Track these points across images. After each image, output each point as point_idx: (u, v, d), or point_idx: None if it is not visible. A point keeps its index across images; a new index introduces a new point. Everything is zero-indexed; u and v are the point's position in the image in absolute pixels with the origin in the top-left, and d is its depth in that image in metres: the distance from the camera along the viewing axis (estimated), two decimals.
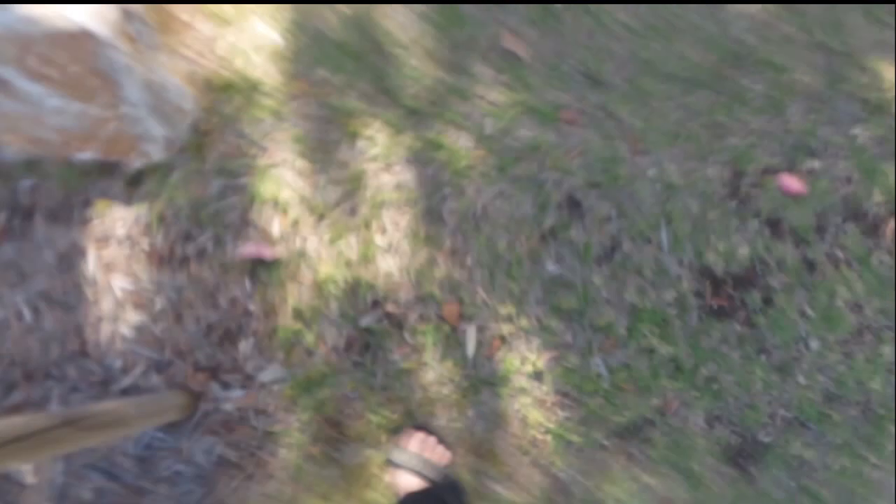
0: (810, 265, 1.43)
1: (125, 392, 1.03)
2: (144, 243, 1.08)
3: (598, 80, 1.50)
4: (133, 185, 1.09)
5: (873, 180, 1.62)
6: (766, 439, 1.26)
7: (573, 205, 1.37)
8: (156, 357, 1.05)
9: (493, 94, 1.38)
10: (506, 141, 1.37)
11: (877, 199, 1.57)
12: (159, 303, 1.07)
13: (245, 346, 1.07)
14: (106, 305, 1.08)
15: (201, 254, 1.08)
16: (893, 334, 1.42)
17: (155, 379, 1.03)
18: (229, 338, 1.07)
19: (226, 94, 1.20)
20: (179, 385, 1.03)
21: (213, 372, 1.04)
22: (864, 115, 1.69)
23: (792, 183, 1.55)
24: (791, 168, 1.57)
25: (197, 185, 1.13)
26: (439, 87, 1.33)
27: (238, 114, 1.19)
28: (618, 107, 1.49)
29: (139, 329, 1.05)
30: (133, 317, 1.07)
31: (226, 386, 1.06)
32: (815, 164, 1.61)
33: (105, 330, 1.06)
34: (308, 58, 1.28)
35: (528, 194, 1.34)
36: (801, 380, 1.30)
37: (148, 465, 1.01)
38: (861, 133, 1.66)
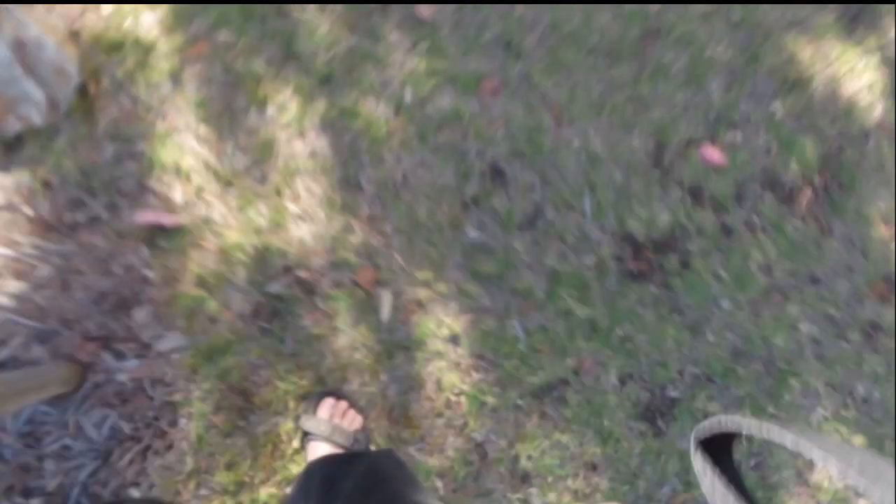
0: (728, 231, 1.51)
1: (2, 365, 0.98)
2: (27, 210, 1.04)
3: (520, 52, 1.55)
4: (12, 150, 1.05)
5: (791, 152, 1.73)
6: (675, 394, 1.32)
7: (496, 174, 1.41)
8: (38, 327, 1.01)
9: (411, 63, 1.40)
10: (426, 110, 1.39)
11: (793, 170, 1.68)
12: (44, 270, 1.03)
13: (141, 314, 1.04)
14: None
15: (94, 221, 1.05)
16: (799, 293, 1.51)
17: (37, 350, 0.99)
18: (123, 306, 1.05)
19: (116, 56, 1.18)
20: (66, 356, 0.99)
21: (105, 341, 1.02)
22: (782, 91, 1.81)
23: (713, 154, 1.64)
24: (713, 140, 1.66)
25: (87, 150, 1.10)
26: (354, 54, 1.35)
27: (131, 77, 1.17)
28: (541, 78, 1.54)
29: (19, 298, 1.01)
30: (12, 285, 1.03)
31: (119, 356, 1.03)
32: (737, 136, 1.71)
33: None
34: (207, 19, 1.27)
35: (450, 163, 1.37)
36: (711, 338, 1.37)
37: (31, 439, 0.97)
38: (780, 108, 1.77)
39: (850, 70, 1.86)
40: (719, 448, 0.38)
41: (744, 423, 0.34)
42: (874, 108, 1.83)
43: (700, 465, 0.37)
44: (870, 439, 1.51)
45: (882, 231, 1.73)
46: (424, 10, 1.46)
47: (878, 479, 0.25)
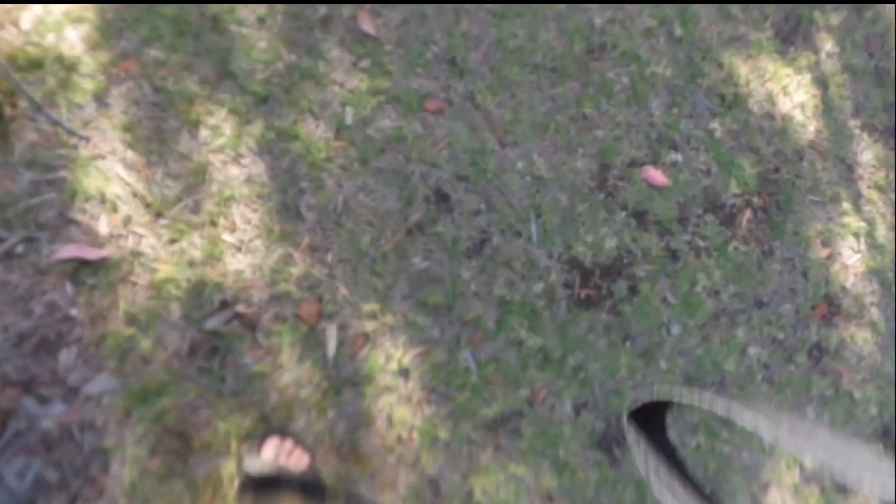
0: (673, 254, 1.77)
1: None
2: None
3: (464, 69, 1.74)
4: None
5: (730, 173, 2.03)
6: None
7: (441, 198, 1.59)
8: None
9: (352, 81, 1.56)
10: (368, 131, 1.55)
11: (733, 191, 1.98)
12: None
13: (66, 355, 1.12)
14: None
15: (9, 256, 1.12)
16: (746, 317, 1.81)
17: None
18: (46, 348, 1.11)
19: (34, 75, 1.26)
20: None
21: (27, 386, 1.08)
22: (720, 110, 2.11)
23: (656, 175, 1.90)
24: (655, 160, 1.93)
25: (1, 178, 1.17)
26: (292, 72, 1.49)
27: (51, 98, 1.24)
28: (485, 97, 1.74)
29: None
30: None
31: (43, 401, 1.09)
32: (678, 156, 1.99)
33: None
34: (136, 35, 1.37)
35: (393, 188, 1.53)
36: (663, 364, 1.57)
37: None
38: (718, 127, 2.08)
39: (783, 89, 2.20)
40: (653, 420, 0.44)
41: (675, 392, 0.39)
42: (807, 128, 2.17)
43: (633, 437, 0.43)
44: None
45: (820, 252, 2.07)
46: (368, 24, 1.63)
47: (809, 437, 0.30)
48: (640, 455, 0.43)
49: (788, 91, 2.16)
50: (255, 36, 1.45)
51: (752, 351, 1.78)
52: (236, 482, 1.14)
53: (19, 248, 1.14)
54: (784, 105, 2.15)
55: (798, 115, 2.15)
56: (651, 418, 0.44)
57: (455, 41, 1.70)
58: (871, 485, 0.28)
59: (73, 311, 1.14)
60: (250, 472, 1.13)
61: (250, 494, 0.83)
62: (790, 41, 2.26)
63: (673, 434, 1.55)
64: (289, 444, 1.18)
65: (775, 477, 1.69)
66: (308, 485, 0.74)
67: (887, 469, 0.28)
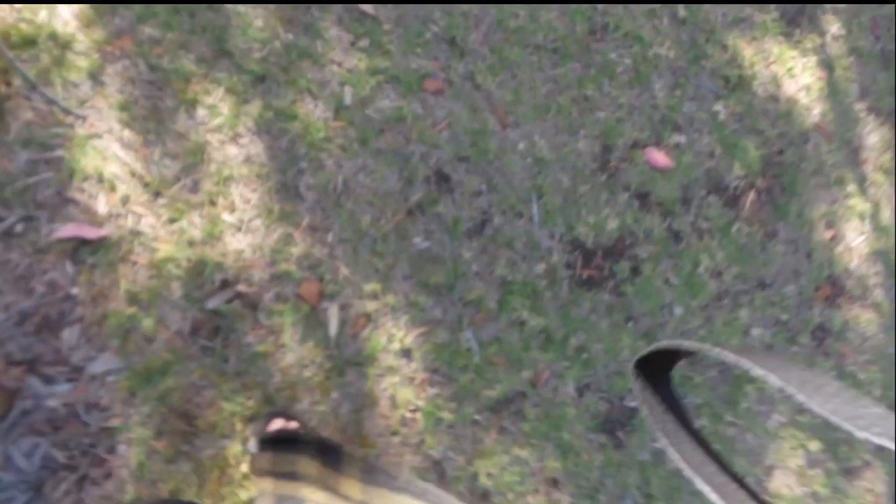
0: (676, 235, 1.79)
1: None
2: None
3: (464, 49, 1.76)
4: None
5: (734, 155, 2.05)
6: (633, 404, 1.52)
7: (441, 179, 1.61)
8: None
9: (350, 61, 1.58)
10: (367, 111, 1.57)
11: (737, 173, 2.00)
12: None
13: (69, 334, 1.14)
14: None
15: (8, 235, 1.13)
16: (749, 298, 1.84)
17: None
18: (49, 327, 1.13)
19: (28, 53, 1.27)
20: None
21: (31, 365, 1.10)
22: (724, 92, 2.13)
23: (659, 157, 1.93)
24: (658, 142, 1.95)
25: None
26: (290, 51, 1.50)
27: (46, 76, 1.25)
28: (485, 77, 1.76)
29: None
30: None
31: (48, 380, 1.11)
32: (681, 138, 2.01)
33: None
34: (130, 12, 1.38)
35: (393, 168, 1.55)
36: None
37: None
38: (722, 109, 2.10)
39: (788, 71, 2.23)
40: (660, 371, 0.44)
41: (684, 343, 0.39)
42: (812, 110, 2.20)
43: (639, 389, 0.43)
44: (826, 444, 1.77)
45: (824, 234, 2.10)
46: (366, 3, 1.65)
47: (818, 389, 0.31)
48: (646, 406, 0.44)
49: (793, 73, 2.18)
50: (252, 14, 1.47)
51: (755, 332, 1.81)
52: (242, 463, 1.17)
53: (18, 227, 1.16)
54: (789, 87, 2.17)
55: (803, 98, 2.17)
56: (657, 369, 0.45)
57: (455, 21, 1.71)
58: (879, 434, 0.29)
59: (74, 290, 1.16)
60: (254, 453, 1.15)
61: (269, 452, 0.86)
62: (795, 23, 2.28)
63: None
64: (293, 425, 1.21)
65: (780, 459, 1.71)
66: (326, 448, 0.77)
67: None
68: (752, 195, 1.98)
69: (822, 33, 2.31)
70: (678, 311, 1.66)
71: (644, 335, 1.59)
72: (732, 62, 2.14)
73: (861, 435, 0.30)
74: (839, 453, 1.79)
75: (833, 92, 2.26)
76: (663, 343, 0.41)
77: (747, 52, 2.17)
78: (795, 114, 2.15)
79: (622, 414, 1.52)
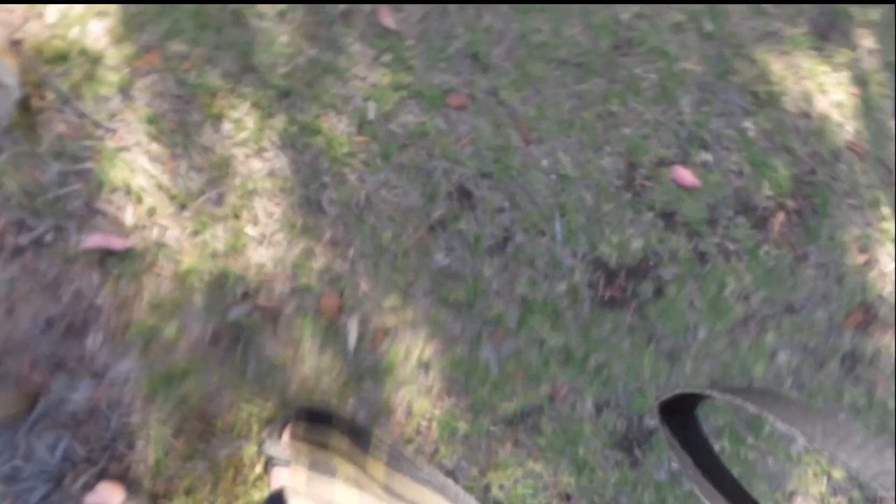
0: (701, 257, 1.85)
1: None
2: None
3: (487, 64, 1.85)
4: None
5: (763, 174, 2.11)
6: (652, 423, 1.58)
7: (464, 195, 1.69)
8: None
9: (374, 76, 1.67)
10: (390, 127, 1.65)
11: (766, 193, 2.06)
12: None
13: (92, 340, 1.22)
14: None
15: (38, 244, 1.23)
16: (776, 323, 1.89)
17: None
18: (73, 333, 1.21)
19: (61, 67, 1.37)
20: (13, 382, 1.17)
21: (56, 367, 1.19)
22: (753, 108, 2.20)
23: (686, 176, 1.99)
24: (685, 160, 2.02)
25: (30, 168, 1.27)
26: (314, 66, 1.59)
27: (78, 90, 1.35)
28: (509, 93, 1.84)
29: None
30: None
31: (72, 380, 1.19)
32: (708, 156, 2.08)
33: None
34: (159, 28, 1.49)
35: (415, 184, 1.63)
36: (688, 367, 1.65)
37: None
38: (751, 126, 2.16)
39: (819, 87, 2.28)
40: (683, 412, 0.47)
41: (706, 390, 0.41)
42: (845, 127, 2.25)
43: (666, 431, 0.46)
44: (850, 473, 1.88)
45: (856, 258, 2.14)
46: (389, 19, 1.74)
47: (843, 441, 0.32)
48: (672, 448, 0.46)
49: (825, 89, 2.23)
50: (276, 30, 1.56)
51: (782, 357, 1.84)
52: (257, 465, 1.25)
53: (48, 237, 1.25)
54: (820, 104, 2.22)
55: (835, 115, 2.21)
56: (682, 409, 0.47)
57: (477, 36, 1.80)
58: None
59: (99, 300, 1.25)
60: (270, 456, 1.23)
61: (304, 424, 0.93)
62: (826, 37, 2.34)
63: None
64: None
65: (802, 485, 1.75)
66: (356, 428, 0.84)
67: None
68: (781, 216, 2.03)
69: (854, 47, 2.37)
70: (702, 333, 1.72)
71: (666, 356, 1.64)
72: (761, 78, 2.20)
73: (889, 494, 0.30)
74: (864, 482, 1.83)
75: (867, 108, 2.31)
76: (687, 389, 0.44)
77: (776, 67, 2.23)
78: (827, 131, 2.20)
79: (640, 433, 1.57)
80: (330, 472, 0.86)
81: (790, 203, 2.05)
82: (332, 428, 0.88)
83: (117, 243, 1.28)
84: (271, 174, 1.46)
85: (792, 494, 1.71)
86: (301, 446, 0.89)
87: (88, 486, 1.14)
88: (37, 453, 1.15)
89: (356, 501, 0.79)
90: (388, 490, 0.84)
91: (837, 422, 0.34)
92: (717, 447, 1.65)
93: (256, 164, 1.45)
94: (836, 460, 0.32)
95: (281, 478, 1.22)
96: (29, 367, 1.17)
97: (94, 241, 1.27)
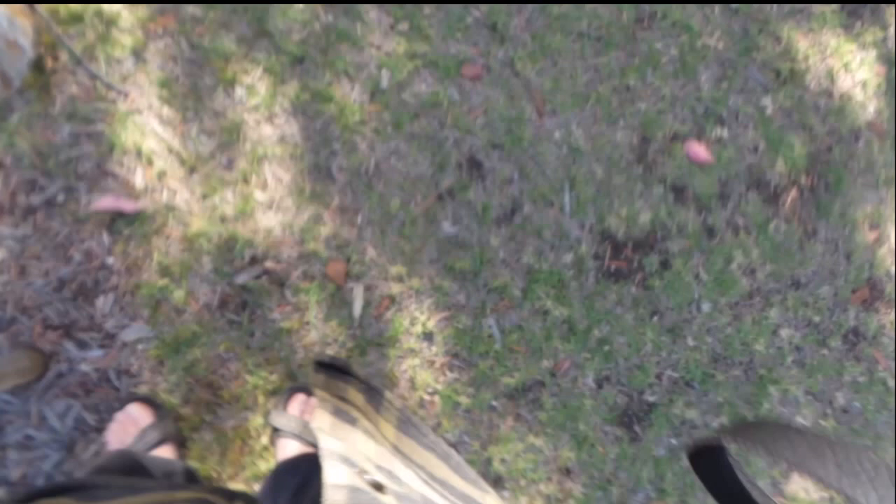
0: (710, 231, 1.64)
1: None
2: None
3: (504, 35, 1.64)
4: None
5: (778, 151, 1.86)
6: (652, 399, 1.44)
7: (474, 165, 1.51)
8: None
9: (389, 44, 1.48)
10: (403, 96, 1.48)
11: (780, 170, 1.82)
12: None
13: (103, 302, 1.12)
14: None
15: (50, 204, 1.12)
16: (781, 297, 1.67)
17: None
18: (85, 293, 1.12)
19: (74, 29, 1.23)
20: (26, 344, 1.07)
21: (67, 330, 1.09)
22: (774, 86, 1.94)
23: (699, 151, 1.76)
24: (699, 135, 1.78)
25: (43, 129, 1.15)
26: (329, 33, 1.42)
27: (91, 52, 1.22)
28: (525, 64, 1.63)
29: None
30: None
31: (82, 345, 1.11)
32: (724, 132, 1.84)
33: None
34: None
35: (425, 153, 1.46)
36: (690, 341, 1.49)
37: None
38: (770, 104, 1.90)
39: (845, 65, 2.00)
40: (710, 455, 0.41)
41: (721, 439, 0.38)
42: (867, 107, 1.98)
43: (697, 478, 0.41)
44: None
45: (867, 235, 1.89)
46: None
47: (856, 479, 0.28)
48: (709, 492, 0.41)
49: (850, 68, 1.96)
50: None
51: (785, 332, 1.67)
52: (263, 436, 1.13)
53: (60, 197, 1.13)
54: (844, 82, 1.95)
55: (858, 94, 1.95)
56: (707, 453, 0.41)
57: (497, 6, 1.59)
58: None
59: (110, 260, 1.13)
60: (276, 427, 1.11)
61: (323, 374, 0.83)
62: (857, 15, 2.05)
63: (694, 412, 1.45)
64: (313, 401, 1.15)
65: None
66: (370, 388, 0.73)
67: None
68: (793, 192, 1.80)
69: (885, 26, 2.07)
70: (706, 307, 1.53)
71: (669, 330, 1.47)
72: (785, 55, 1.93)
73: None
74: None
75: (891, 89, 2.03)
76: (702, 440, 0.39)
77: (802, 44, 1.95)
78: (848, 110, 1.94)
79: (640, 408, 1.41)
80: (351, 420, 0.76)
81: (804, 180, 1.82)
82: (348, 383, 0.77)
83: (127, 205, 1.16)
84: (282, 140, 1.31)
85: (789, 470, 1.53)
86: (323, 394, 0.78)
87: (99, 454, 1.04)
88: (48, 421, 1.06)
89: (374, 452, 0.70)
90: (398, 451, 0.73)
91: (849, 455, 0.29)
92: (715, 423, 1.47)
93: (267, 130, 1.30)
94: (854, 502, 0.27)
95: (287, 448, 1.10)
96: (42, 330, 1.07)
97: (104, 202, 1.15)
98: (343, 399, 0.79)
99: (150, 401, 1.11)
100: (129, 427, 1.06)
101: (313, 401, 1.19)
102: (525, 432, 1.32)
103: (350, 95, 1.40)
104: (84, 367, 1.09)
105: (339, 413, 0.76)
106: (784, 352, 1.66)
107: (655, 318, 1.49)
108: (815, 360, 1.68)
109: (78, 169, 1.15)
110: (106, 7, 1.21)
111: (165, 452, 1.08)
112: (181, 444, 1.12)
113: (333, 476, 0.52)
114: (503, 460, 1.33)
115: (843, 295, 1.76)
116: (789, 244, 1.74)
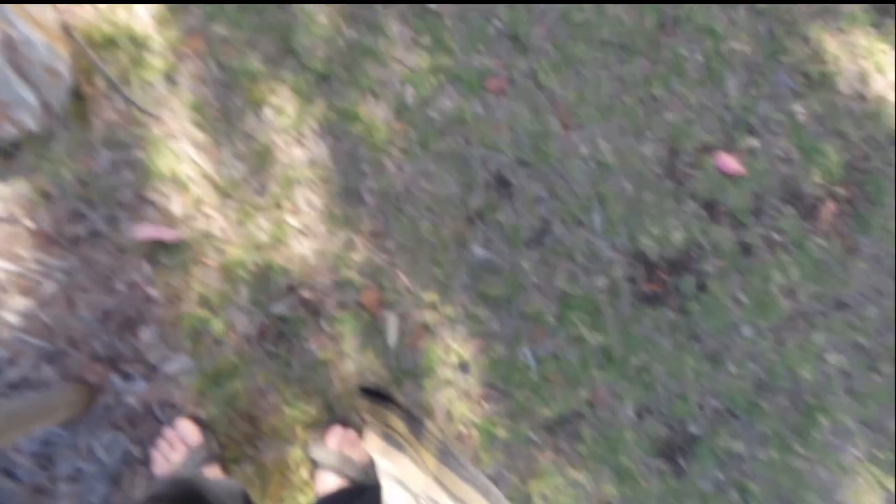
0: (746, 249, 2.06)
1: (14, 386, 1.36)
2: (28, 222, 1.43)
3: (526, 45, 2.04)
4: (8, 158, 1.43)
5: (812, 160, 2.30)
6: (696, 430, 1.78)
7: (501, 184, 1.90)
8: (46, 347, 1.40)
9: (412, 59, 1.87)
10: (428, 112, 1.86)
11: (815, 180, 2.25)
12: (48, 287, 1.42)
13: (147, 334, 1.46)
14: None
15: (94, 234, 1.45)
16: (825, 320, 2.10)
17: (47, 371, 1.38)
18: (129, 325, 1.45)
19: (109, 53, 1.59)
20: (74, 377, 1.39)
21: (112, 362, 1.42)
22: (804, 90, 2.37)
23: (730, 163, 2.18)
24: (729, 146, 2.21)
25: (83, 157, 1.49)
26: (353, 48, 1.80)
27: (125, 76, 1.57)
28: (548, 76, 2.04)
29: (26, 316, 1.40)
30: (19, 302, 1.41)
31: (127, 377, 1.44)
32: (754, 142, 2.27)
33: None
34: (201, 10, 1.69)
35: (453, 172, 1.85)
36: (732, 368, 1.85)
37: (45, 461, 1.37)
38: (801, 110, 2.34)
39: (877, 66, 2.43)
40: None
41: None
42: None
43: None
44: None
45: None
46: None
47: None
48: None
49: (883, 69, 2.36)
50: (316, 10, 1.77)
51: (831, 357, 2.02)
52: (302, 468, 1.48)
53: (102, 226, 1.48)
54: (877, 84, 2.34)
55: (892, 96, 2.34)
56: None
57: (518, 15, 2.00)
58: None
59: (152, 291, 1.48)
60: (314, 460, 1.46)
61: (368, 399, 1.09)
62: (887, 13, 2.49)
63: (741, 445, 1.85)
64: (351, 434, 1.51)
65: (854, 498, 1.93)
66: (412, 417, 1.00)
67: None
68: (831, 205, 2.20)
69: None
70: (747, 331, 1.93)
71: (709, 357, 1.86)
72: (814, 57, 2.35)
73: None
74: None
75: None
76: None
77: (831, 45, 2.37)
78: (884, 114, 2.31)
79: (683, 440, 1.79)
80: (398, 446, 1.04)
81: (841, 191, 2.19)
82: (391, 410, 1.06)
83: (167, 234, 1.51)
84: (311, 163, 1.68)
85: None
86: (371, 417, 1.08)
87: (151, 480, 1.38)
88: (96, 454, 1.39)
89: (423, 481, 0.95)
90: (439, 483, 0.98)
91: None
92: (764, 457, 1.87)
93: (297, 153, 1.67)
94: None
95: (325, 482, 1.44)
96: (89, 362, 1.40)
97: (145, 231, 1.49)
98: (387, 425, 1.10)
99: (197, 419, 1.44)
100: (178, 445, 1.39)
101: (351, 433, 1.55)
102: (565, 466, 1.69)
103: (376, 113, 1.78)
104: (129, 400, 1.43)
105: (387, 438, 1.07)
106: (832, 378, 1.99)
107: (695, 344, 1.87)
108: (865, 386, 2.01)
109: (118, 197, 1.50)
110: (138, 30, 1.57)
111: (213, 472, 1.41)
112: (224, 463, 1.46)
113: (394, 498, 0.76)
114: (544, 496, 1.69)
115: (890, 316, 2.09)
116: (830, 262, 2.11)
